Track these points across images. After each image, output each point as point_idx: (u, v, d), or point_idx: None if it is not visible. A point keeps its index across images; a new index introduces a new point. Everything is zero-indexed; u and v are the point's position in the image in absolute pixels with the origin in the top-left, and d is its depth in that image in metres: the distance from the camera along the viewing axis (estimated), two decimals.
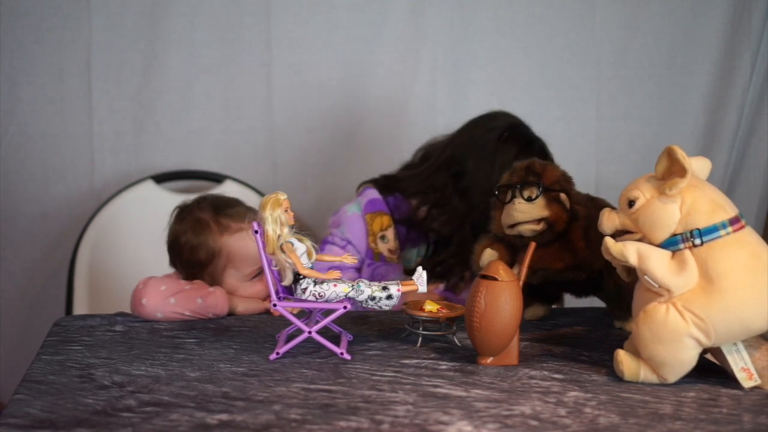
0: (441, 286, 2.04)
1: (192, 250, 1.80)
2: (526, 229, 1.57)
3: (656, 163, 1.35)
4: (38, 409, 1.19)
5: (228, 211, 1.83)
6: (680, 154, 1.30)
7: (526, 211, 1.57)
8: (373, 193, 2.10)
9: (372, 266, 2.05)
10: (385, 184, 2.12)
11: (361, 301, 1.43)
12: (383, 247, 2.05)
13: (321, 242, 2.08)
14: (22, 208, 2.46)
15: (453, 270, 2.04)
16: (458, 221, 2.02)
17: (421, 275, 1.44)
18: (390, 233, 2.05)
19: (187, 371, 1.36)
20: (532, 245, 1.51)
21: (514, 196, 1.59)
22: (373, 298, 1.42)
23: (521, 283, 1.44)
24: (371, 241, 2.05)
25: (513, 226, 1.58)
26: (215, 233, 1.80)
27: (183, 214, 1.85)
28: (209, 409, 1.20)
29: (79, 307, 2.31)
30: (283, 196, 1.40)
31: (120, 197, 2.43)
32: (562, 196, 1.59)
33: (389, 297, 1.43)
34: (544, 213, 1.57)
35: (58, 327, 1.62)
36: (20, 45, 2.41)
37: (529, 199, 1.57)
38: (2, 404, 2.21)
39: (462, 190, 2.02)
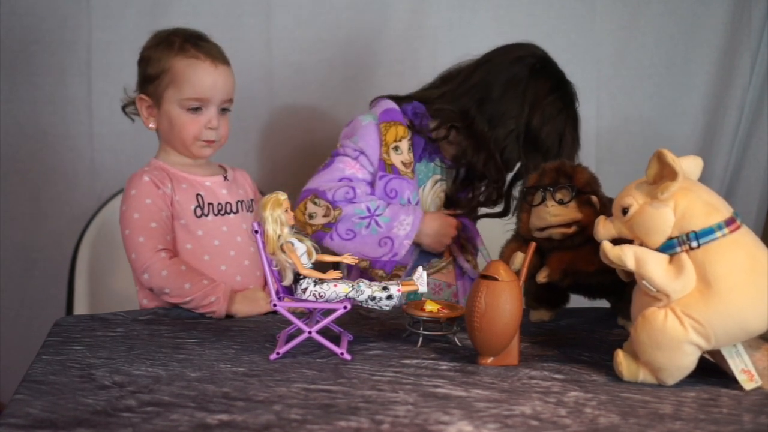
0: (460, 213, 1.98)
1: (148, 62, 1.86)
2: (557, 232, 1.55)
3: (647, 167, 1.34)
4: (38, 409, 1.19)
5: (198, 41, 1.86)
6: (670, 157, 1.29)
7: (560, 214, 1.54)
8: (388, 103, 2.00)
9: (384, 179, 1.92)
10: (401, 97, 2.03)
11: (361, 301, 1.43)
12: (396, 159, 1.92)
13: (331, 155, 2.01)
14: (22, 208, 2.46)
15: (486, 201, 1.97)
16: (485, 150, 1.90)
17: (421, 275, 1.44)
18: (404, 144, 1.92)
19: (187, 371, 1.36)
20: (532, 245, 1.50)
21: (544, 199, 1.56)
22: (373, 298, 1.42)
23: (521, 283, 1.44)
24: (384, 152, 1.93)
25: (543, 229, 1.56)
26: (173, 51, 1.83)
27: (160, 33, 1.89)
28: (209, 410, 1.20)
29: (79, 307, 2.30)
30: (283, 196, 1.40)
31: (120, 197, 2.42)
32: (593, 198, 1.56)
33: (389, 297, 1.43)
34: (577, 216, 1.54)
35: (58, 327, 1.62)
36: (20, 45, 2.41)
37: (561, 202, 1.54)
38: (2, 404, 2.20)
39: (486, 119, 1.90)
